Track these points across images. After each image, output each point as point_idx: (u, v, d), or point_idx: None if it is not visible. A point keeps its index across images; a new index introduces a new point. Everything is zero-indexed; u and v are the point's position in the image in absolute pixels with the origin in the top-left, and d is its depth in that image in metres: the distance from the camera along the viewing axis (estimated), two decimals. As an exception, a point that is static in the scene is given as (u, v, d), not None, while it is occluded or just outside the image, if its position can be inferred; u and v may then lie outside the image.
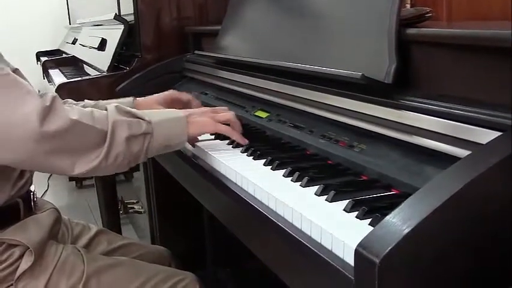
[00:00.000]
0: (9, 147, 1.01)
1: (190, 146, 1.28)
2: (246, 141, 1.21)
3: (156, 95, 1.50)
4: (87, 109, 1.08)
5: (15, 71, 1.32)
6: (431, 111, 0.88)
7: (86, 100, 1.46)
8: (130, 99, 1.48)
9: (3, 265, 1.14)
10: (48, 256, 1.19)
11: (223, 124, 1.22)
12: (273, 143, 1.23)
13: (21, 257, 1.15)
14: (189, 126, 1.17)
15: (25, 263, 1.15)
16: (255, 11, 1.61)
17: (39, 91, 1.25)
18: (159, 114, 1.16)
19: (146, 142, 1.10)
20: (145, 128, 1.10)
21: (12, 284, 1.14)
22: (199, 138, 1.29)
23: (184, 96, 1.50)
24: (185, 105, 1.47)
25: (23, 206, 1.20)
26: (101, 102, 1.46)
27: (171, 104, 1.46)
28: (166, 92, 1.51)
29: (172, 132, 1.15)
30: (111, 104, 1.13)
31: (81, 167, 1.05)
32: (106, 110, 1.11)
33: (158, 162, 1.64)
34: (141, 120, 1.11)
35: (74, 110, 1.05)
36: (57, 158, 1.03)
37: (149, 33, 2.14)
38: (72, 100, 1.46)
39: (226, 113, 1.24)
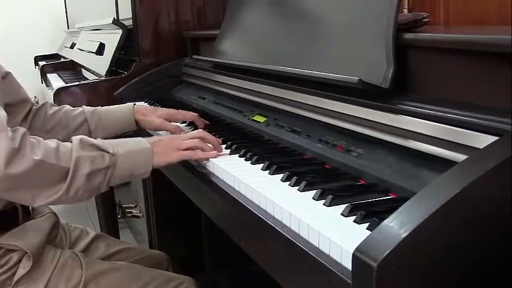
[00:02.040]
0: None
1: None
2: (213, 155, 1.19)
3: (159, 109, 1.50)
4: (52, 144, 1.07)
5: (7, 74, 1.32)
6: (428, 116, 0.89)
7: (84, 106, 1.46)
8: (130, 105, 1.48)
9: (1, 270, 1.14)
10: (46, 261, 1.19)
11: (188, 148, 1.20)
12: (271, 147, 1.23)
13: (19, 261, 1.15)
14: (154, 157, 1.16)
15: (23, 268, 1.15)
16: (253, 16, 1.61)
17: (34, 101, 1.25)
18: (125, 145, 1.15)
19: (108, 175, 1.10)
20: (108, 162, 1.10)
21: (10, 289, 1.14)
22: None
23: (189, 116, 1.50)
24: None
25: (21, 211, 1.20)
26: (99, 109, 1.47)
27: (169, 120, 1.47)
28: (170, 112, 1.50)
29: (137, 163, 1.14)
30: (77, 137, 1.12)
31: (41, 200, 1.05)
32: (71, 142, 1.11)
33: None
34: (104, 153, 1.10)
35: (40, 148, 1.04)
36: (18, 193, 1.04)
37: (147, 37, 2.15)
38: (69, 106, 1.46)
39: (190, 140, 1.21)
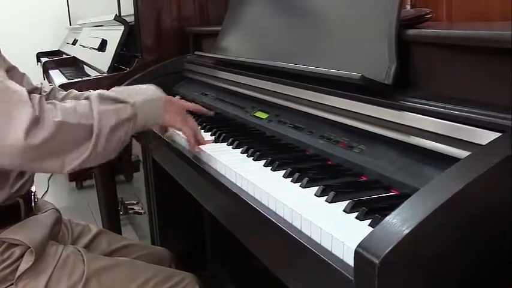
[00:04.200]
0: None
1: (188, 145, 1.28)
2: (198, 149, 1.25)
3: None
4: (68, 104, 1.08)
5: (13, 69, 1.32)
6: (431, 112, 0.88)
7: (90, 90, 1.45)
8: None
9: (4, 264, 1.14)
10: (48, 256, 1.19)
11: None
12: (273, 143, 1.23)
13: (21, 256, 1.16)
14: (165, 114, 1.21)
15: (25, 263, 1.15)
16: (255, 12, 1.61)
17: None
18: (141, 93, 1.18)
19: (131, 125, 1.13)
20: (129, 113, 1.12)
21: (12, 284, 1.15)
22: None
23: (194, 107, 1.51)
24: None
25: (23, 206, 1.20)
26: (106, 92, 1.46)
27: None
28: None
29: (151, 113, 1.18)
30: (93, 92, 1.13)
31: (71, 164, 1.06)
32: (87, 99, 1.11)
33: (158, 162, 1.64)
34: (126, 104, 1.13)
35: (57, 111, 1.04)
36: (46, 161, 1.04)
37: (149, 34, 2.14)
38: (76, 91, 1.45)
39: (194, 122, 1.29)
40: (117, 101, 1.12)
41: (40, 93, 1.41)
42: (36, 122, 0.99)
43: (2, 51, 1.13)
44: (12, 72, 1.32)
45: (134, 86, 1.25)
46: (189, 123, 1.26)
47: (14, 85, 1.03)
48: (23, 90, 1.02)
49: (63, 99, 1.43)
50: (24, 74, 1.36)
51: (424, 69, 0.98)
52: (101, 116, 1.07)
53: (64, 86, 2.12)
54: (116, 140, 1.10)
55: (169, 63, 2.05)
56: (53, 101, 1.07)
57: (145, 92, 1.20)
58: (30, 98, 1.02)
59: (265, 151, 1.15)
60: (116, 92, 1.15)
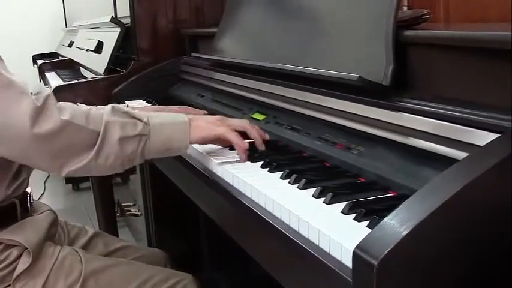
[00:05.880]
0: (2, 145, 1.02)
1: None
2: (246, 147, 1.14)
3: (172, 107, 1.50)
4: (84, 108, 1.08)
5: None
6: (429, 113, 0.88)
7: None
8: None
9: (1, 265, 1.13)
10: (45, 256, 1.19)
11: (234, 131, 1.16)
12: (270, 145, 1.23)
13: (19, 257, 1.15)
14: (192, 131, 1.13)
15: (23, 264, 1.15)
16: (252, 14, 1.61)
17: (31, 93, 1.25)
18: (161, 117, 1.14)
19: (141, 144, 1.08)
20: (140, 130, 1.08)
21: (10, 285, 1.14)
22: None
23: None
24: None
25: (19, 207, 1.19)
26: (121, 106, 1.42)
27: None
28: (180, 108, 1.49)
29: (173, 136, 1.12)
30: (109, 105, 1.12)
31: (69, 167, 1.05)
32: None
33: (155, 164, 1.64)
34: (137, 121, 1.09)
35: (66, 110, 1.04)
36: (46, 158, 1.03)
37: (146, 35, 2.14)
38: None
39: (239, 120, 1.19)
40: (129, 115, 1.10)
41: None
42: (38, 111, 1.00)
43: None
44: None
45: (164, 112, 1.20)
46: (231, 124, 1.18)
47: (16, 77, 1.04)
48: (25, 84, 1.04)
49: None
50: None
51: (421, 70, 0.98)
52: (108, 125, 1.05)
53: (60, 88, 2.12)
54: (121, 156, 1.07)
55: (165, 65, 2.05)
56: (67, 103, 1.07)
57: (167, 116, 1.15)
58: (37, 93, 1.02)
59: (263, 153, 1.15)
60: (134, 111, 1.12)
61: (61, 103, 1.06)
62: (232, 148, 1.21)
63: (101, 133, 1.05)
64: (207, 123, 1.16)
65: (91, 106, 1.35)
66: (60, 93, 2.06)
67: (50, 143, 1.01)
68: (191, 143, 1.14)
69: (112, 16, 2.36)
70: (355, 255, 0.64)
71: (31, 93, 1.05)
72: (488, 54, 0.83)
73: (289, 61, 1.25)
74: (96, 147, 1.04)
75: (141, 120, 1.09)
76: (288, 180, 0.98)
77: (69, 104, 1.07)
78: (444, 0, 1.41)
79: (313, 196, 0.89)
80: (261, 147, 1.17)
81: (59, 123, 1.01)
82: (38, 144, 1.01)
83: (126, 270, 1.28)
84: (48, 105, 1.02)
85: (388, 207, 0.74)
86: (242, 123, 1.20)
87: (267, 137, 1.22)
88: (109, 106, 1.10)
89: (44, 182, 3.76)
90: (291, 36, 1.35)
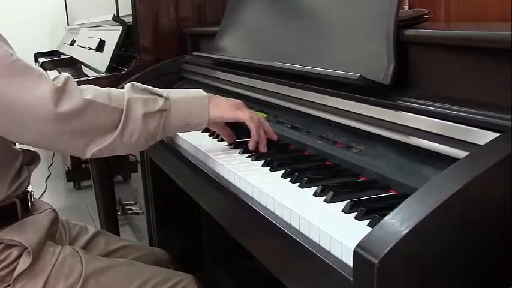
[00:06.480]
0: (26, 130, 1.02)
1: (187, 146, 1.27)
2: (262, 136, 1.17)
3: None
4: (104, 88, 1.08)
5: None
6: (429, 112, 0.88)
7: None
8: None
9: (1, 265, 1.13)
10: (46, 257, 1.19)
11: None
12: (271, 144, 1.23)
13: (19, 257, 1.15)
14: (211, 108, 1.15)
15: (23, 264, 1.15)
16: (253, 12, 1.61)
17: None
18: (181, 92, 1.15)
19: (163, 119, 1.09)
20: (161, 105, 1.09)
21: (10, 285, 1.14)
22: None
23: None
24: None
25: (20, 206, 1.19)
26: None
27: None
28: None
29: (192, 111, 1.13)
30: (129, 83, 1.12)
31: (94, 147, 1.05)
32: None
33: (156, 163, 1.64)
34: (158, 96, 1.10)
35: (89, 90, 1.05)
36: (72, 138, 1.03)
37: (147, 34, 2.14)
38: None
39: (256, 113, 1.20)
40: (149, 92, 1.11)
41: None
42: (59, 92, 1.00)
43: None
44: None
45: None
46: (247, 110, 1.19)
47: (30, 63, 1.05)
48: (40, 68, 1.05)
49: None
50: None
51: (422, 70, 0.98)
52: (130, 102, 1.06)
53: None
54: (145, 132, 1.08)
55: (167, 64, 2.05)
56: (89, 84, 1.08)
57: (186, 92, 1.17)
58: (56, 77, 1.03)
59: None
60: (153, 87, 1.13)
61: (83, 85, 1.06)
62: (233, 148, 1.21)
63: (124, 110, 1.05)
64: (227, 103, 1.18)
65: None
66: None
67: (74, 123, 1.02)
68: (210, 120, 1.16)
69: (114, 14, 2.36)
70: (355, 254, 0.64)
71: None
72: (489, 54, 0.83)
73: (291, 60, 1.25)
74: (120, 125, 1.05)
75: (162, 96, 1.11)
76: (289, 178, 0.98)
77: (89, 85, 1.07)
78: (445, 0, 1.41)
79: (314, 195, 0.90)
80: (264, 148, 1.18)
81: (82, 102, 1.02)
82: (62, 124, 1.01)
83: (126, 270, 1.28)
84: (69, 86, 1.02)
85: (389, 206, 0.75)
86: (260, 117, 1.20)
87: (276, 137, 1.22)
88: (128, 84, 1.11)
89: (45, 181, 3.77)
90: (292, 35, 1.35)
